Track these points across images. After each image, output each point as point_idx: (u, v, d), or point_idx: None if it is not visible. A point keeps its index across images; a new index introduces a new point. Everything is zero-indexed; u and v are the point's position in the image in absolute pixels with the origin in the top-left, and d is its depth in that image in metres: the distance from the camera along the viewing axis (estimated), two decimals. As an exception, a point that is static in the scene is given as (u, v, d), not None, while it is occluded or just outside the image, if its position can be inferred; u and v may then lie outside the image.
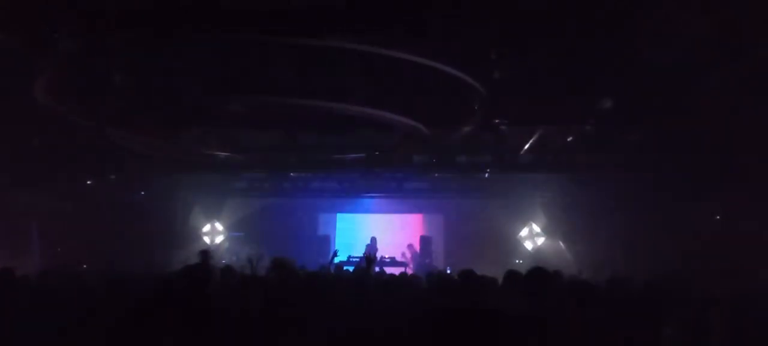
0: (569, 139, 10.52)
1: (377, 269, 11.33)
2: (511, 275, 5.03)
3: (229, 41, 6.22)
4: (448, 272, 12.12)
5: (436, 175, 14.47)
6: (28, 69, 6.89)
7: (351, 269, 9.90)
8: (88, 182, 13.62)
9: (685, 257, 9.19)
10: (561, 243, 15.40)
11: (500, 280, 5.17)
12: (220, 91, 7.57)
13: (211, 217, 16.98)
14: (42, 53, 6.64)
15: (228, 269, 5.90)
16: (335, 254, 7.88)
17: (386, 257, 15.36)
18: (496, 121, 9.36)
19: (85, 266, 9.19)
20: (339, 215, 18.18)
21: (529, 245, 16.62)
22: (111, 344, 3.62)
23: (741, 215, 9.48)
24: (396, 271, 11.14)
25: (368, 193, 16.67)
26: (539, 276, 4.37)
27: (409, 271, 13.56)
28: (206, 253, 6.34)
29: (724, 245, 9.16)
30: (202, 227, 16.83)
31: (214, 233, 16.91)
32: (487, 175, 13.77)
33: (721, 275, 7.18)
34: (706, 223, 10.36)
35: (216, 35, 6.07)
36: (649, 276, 5.85)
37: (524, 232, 16.76)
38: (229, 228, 16.97)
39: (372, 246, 15.48)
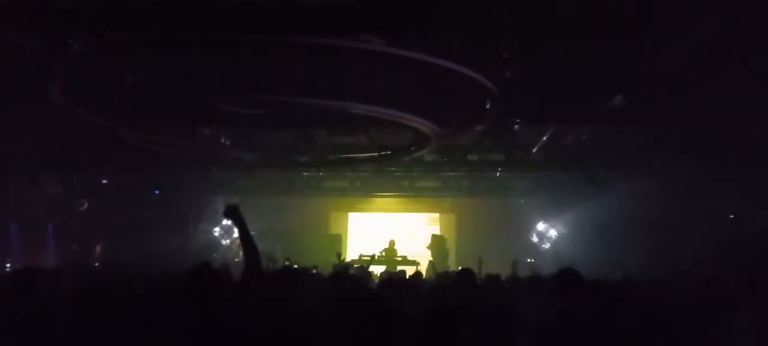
0: (582, 137, 10.48)
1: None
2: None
3: (239, 42, 6.25)
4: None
5: (449, 174, 14.47)
6: (42, 68, 6.95)
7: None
8: (103, 181, 13.76)
9: (699, 256, 9.14)
10: (573, 242, 15.34)
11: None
12: (231, 93, 7.62)
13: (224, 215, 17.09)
14: (56, 53, 6.70)
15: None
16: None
17: (398, 256, 15.40)
18: (509, 119, 9.34)
19: (96, 264, 9.29)
20: (351, 214, 18.24)
21: (541, 245, 16.58)
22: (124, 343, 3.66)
23: (756, 215, 9.41)
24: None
25: (380, 192, 16.71)
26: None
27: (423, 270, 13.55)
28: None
29: (738, 244, 9.10)
30: (216, 225, 16.96)
31: (227, 232, 17.03)
32: (498, 174, 13.75)
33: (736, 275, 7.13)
34: (721, 222, 10.29)
35: (225, 36, 6.09)
36: (662, 275, 5.84)
37: (537, 231, 16.72)
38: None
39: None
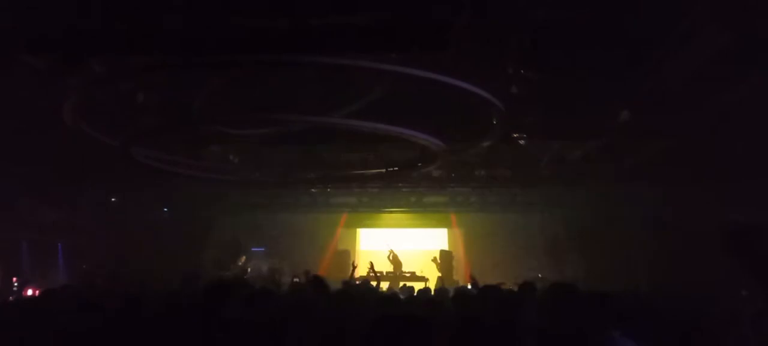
0: (588, 152, 10.47)
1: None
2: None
3: (248, 62, 6.32)
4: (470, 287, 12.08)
5: (456, 189, 14.48)
6: (54, 88, 7.04)
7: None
8: (113, 200, 13.86)
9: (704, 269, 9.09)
10: (581, 255, 15.28)
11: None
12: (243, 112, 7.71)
13: (232, 232, 17.13)
14: (69, 74, 6.79)
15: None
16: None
17: (406, 271, 15.40)
18: (515, 135, 9.36)
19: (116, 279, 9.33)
20: (359, 230, 18.24)
21: (548, 258, 16.50)
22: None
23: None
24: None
25: (389, 208, 16.72)
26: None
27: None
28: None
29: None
30: (224, 242, 16.98)
31: (236, 249, 17.05)
32: (505, 189, 13.75)
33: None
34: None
35: (239, 56, 6.17)
36: (671, 288, 5.83)
37: (544, 245, 16.65)
38: (250, 243, 17.09)
39: None
